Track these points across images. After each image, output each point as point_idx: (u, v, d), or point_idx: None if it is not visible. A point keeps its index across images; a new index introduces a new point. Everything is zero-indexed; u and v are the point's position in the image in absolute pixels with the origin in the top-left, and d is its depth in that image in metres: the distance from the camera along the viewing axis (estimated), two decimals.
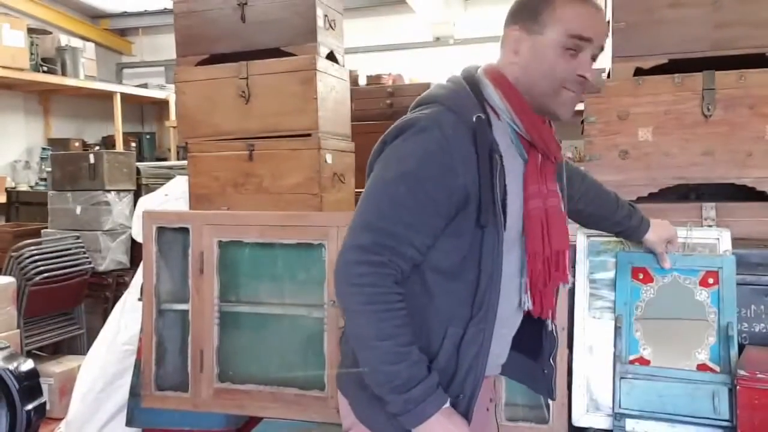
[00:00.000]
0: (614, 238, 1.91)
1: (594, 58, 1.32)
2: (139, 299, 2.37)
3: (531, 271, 1.37)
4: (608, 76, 2.28)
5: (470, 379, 1.29)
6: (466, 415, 1.29)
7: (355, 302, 1.23)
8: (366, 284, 1.21)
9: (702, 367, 1.76)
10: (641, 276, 1.86)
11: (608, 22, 2.30)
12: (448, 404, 1.25)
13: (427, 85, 3.77)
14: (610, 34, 2.21)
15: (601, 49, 1.34)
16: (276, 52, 2.56)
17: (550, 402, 1.86)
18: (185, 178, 2.77)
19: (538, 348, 1.50)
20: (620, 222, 1.74)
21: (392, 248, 1.23)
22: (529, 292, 1.38)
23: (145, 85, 6.96)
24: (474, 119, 1.26)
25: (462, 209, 1.26)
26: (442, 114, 1.28)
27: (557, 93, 1.31)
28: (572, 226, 1.94)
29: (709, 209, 2.01)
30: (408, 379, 1.21)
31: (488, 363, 1.33)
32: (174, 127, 6.20)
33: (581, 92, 1.33)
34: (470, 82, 1.36)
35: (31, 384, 1.30)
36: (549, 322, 1.47)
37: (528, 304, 1.39)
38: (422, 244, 1.25)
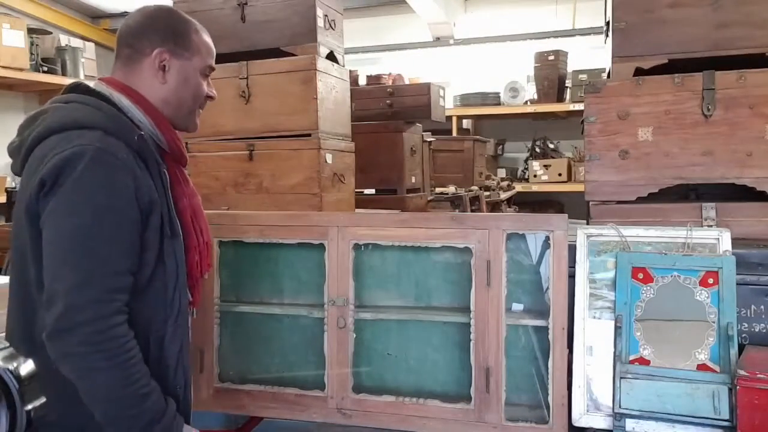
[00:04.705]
0: (614, 238, 1.91)
1: None
2: None
3: (190, 264, 1.49)
4: (608, 76, 2.29)
5: (180, 372, 1.43)
6: (185, 401, 1.44)
7: (94, 360, 1.25)
8: (106, 340, 1.25)
9: (702, 367, 1.76)
10: (641, 276, 1.86)
11: (608, 22, 2.30)
12: (185, 426, 1.40)
13: (427, 86, 3.80)
14: (610, 34, 2.22)
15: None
16: (276, 52, 2.56)
17: (550, 402, 1.86)
18: None
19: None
20: None
21: (119, 288, 1.29)
22: (187, 285, 1.50)
23: None
24: (136, 138, 1.36)
25: (148, 224, 1.35)
26: (105, 139, 1.31)
27: (195, 111, 1.53)
28: (573, 225, 1.94)
29: (709, 209, 2.01)
30: (153, 415, 1.30)
31: None
32: None
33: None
34: (106, 100, 1.40)
35: (31, 384, 1.30)
36: (194, 311, 1.60)
37: (189, 296, 1.51)
38: (134, 265, 1.33)
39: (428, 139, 4.04)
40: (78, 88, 1.44)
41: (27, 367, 1.38)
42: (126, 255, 1.30)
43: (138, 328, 1.34)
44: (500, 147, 6.84)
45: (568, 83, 6.19)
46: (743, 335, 1.84)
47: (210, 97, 1.56)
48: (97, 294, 1.24)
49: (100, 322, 1.23)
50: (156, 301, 1.38)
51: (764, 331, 1.84)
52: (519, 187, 6.14)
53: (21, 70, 4.71)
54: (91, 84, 1.45)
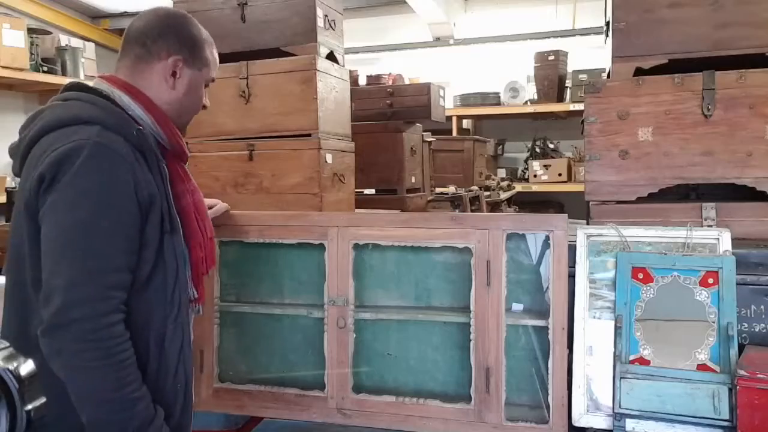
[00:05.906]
0: (614, 238, 1.91)
1: None
2: None
3: (194, 260, 1.49)
4: (608, 76, 2.29)
5: (181, 371, 1.41)
6: (186, 400, 1.42)
7: (87, 358, 1.23)
8: (101, 338, 1.23)
9: (702, 367, 1.76)
10: (641, 276, 1.86)
11: (608, 22, 2.30)
12: None
13: (427, 86, 3.80)
14: (610, 34, 2.22)
15: None
16: (276, 52, 2.56)
17: (550, 402, 1.86)
18: None
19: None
20: None
21: (117, 285, 1.27)
22: (192, 282, 1.50)
23: None
24: (135, 133, 1.35)
25: (148, 220, 1.34)
26: (102, 134, 1.30)
27: (192, 118, 1.58)
28: (573, 225, 1.94)
29: (709, 209, 2.01)
30: (141, 422, 1.28)
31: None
32: None
33: None
34: (105, 96, 1.39)
35: (31, 384, 1.30)
36: (200, 308, 1.59)
37: (194, 293, 1.51)
38: (133, 262, 1.32)
39: (428, 139, 4.04)
40: (75, 86, 1.43)
41: (27, 367, 1.38)
42: (124, 251, 1.29)
43: (137, 326, 1.32)
44: (500, 147, 6.84)
45: (568, 83, 6.19)
46: (743, 335, 1.84)
47: (204, 107, 1.60)
48: (94, 291, 1.23)
49: (96, 320, 1.22)
50: (156, 298, 1.36)
51: (764, 331, 1.84)
52: (519, 187, 6.14)
53: (21, 70, 4.71)
54: (91, 82, 1.45)
